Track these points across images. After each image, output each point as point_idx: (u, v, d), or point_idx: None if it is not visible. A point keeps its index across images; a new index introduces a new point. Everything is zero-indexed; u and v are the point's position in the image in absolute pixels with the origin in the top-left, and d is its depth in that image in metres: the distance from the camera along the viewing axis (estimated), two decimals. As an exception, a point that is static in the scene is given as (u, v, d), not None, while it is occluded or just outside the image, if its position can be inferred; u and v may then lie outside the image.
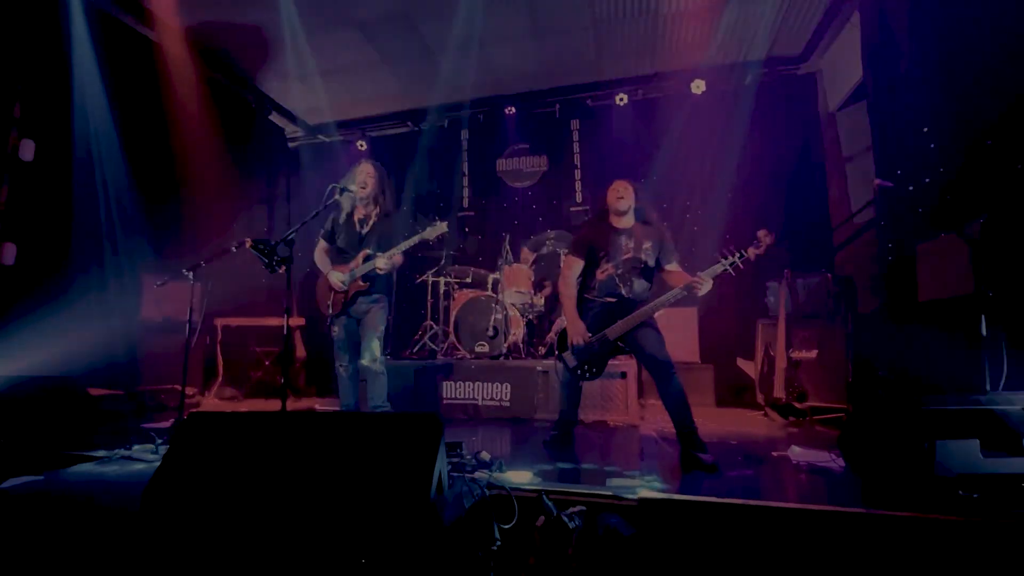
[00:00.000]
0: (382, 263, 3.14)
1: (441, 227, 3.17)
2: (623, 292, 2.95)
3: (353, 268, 3.23)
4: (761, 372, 4.61)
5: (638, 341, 2.83)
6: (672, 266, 3.02)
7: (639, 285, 2.98)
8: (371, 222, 3.29)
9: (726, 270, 2.76)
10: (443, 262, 5.47)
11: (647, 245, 2.98)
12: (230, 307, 5.66)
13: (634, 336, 2.86)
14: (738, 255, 2.73)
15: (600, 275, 2.99)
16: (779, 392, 4.28)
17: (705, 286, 2.73)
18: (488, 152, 6.88)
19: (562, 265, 3.16)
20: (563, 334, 3.08)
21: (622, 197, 3.02)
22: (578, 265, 3.07)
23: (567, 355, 3.04)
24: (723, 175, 5.58)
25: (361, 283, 3.22)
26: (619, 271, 2.96)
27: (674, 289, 2.83)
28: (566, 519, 1.69)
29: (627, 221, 3.06)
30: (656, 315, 2.96)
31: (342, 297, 3.25)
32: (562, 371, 3.10)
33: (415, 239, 3.15)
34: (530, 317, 5.13)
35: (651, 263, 2.99)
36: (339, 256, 3.34)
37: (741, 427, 3.94)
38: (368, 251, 3.23)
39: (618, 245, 2.99)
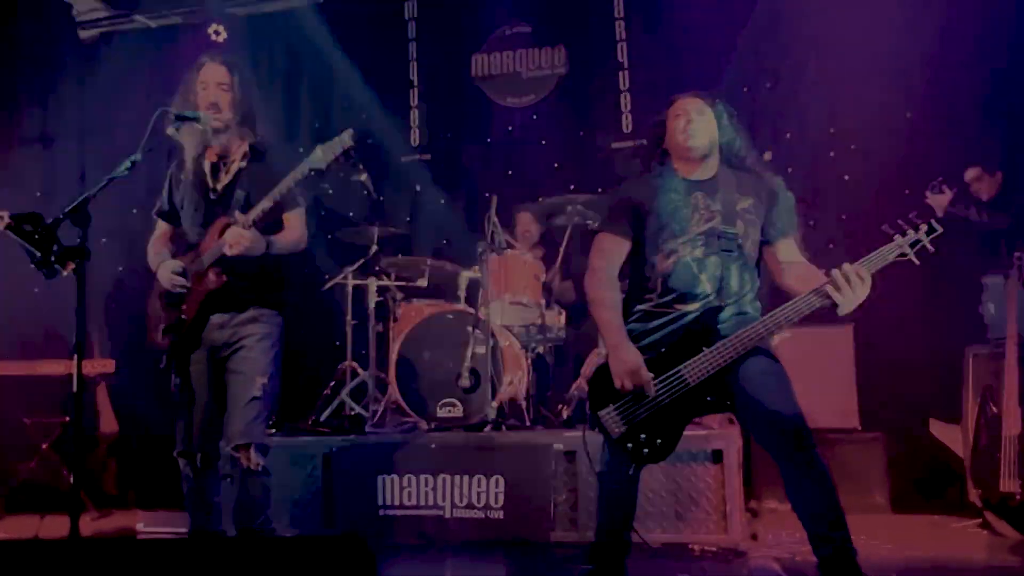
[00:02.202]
0: (231, 237, 3.22)
1: (342, 140, 3.31)
2: (709, 293, 3.03)
3: (204, 251, 3.35)
4: (975, 445, 4.64)
5: (744, 388, 2.90)
6: (786, 246, 3.11)
7: (736, 279, 3.06)
8: (233, 166, 3.46)
9: (904, 256, 2.76)
10: (374, 251, 5.46)
11: (744, 205, 3.07)
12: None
13: (736, 378, 2.93)
14: (926, 227, 2.75)
15: (663, 263, 3.09)
16: (1009, 483, 4.32)
17: (860, 289, 2.72)
18: (457, 43, 6.92)
19: (592, 251, 3.28)
20: (600, 375, 3.12)
21: (691, 121, 3.09)
22: (619, 248, 3.20)
23: (608, 416, 3.05)
24: (893, 83, 5.62)
25: (215, 279, 3.31)
26: (696, 254, 3.04)
27: (805, 294, 2.84)
28: None
29: (705, 167, 3.16)
30: (775, 339, 3.10)
31: (187, 311, 3.37)
32: (601, 449, 3.18)
33: (296, 173, 3.30)
34: (539, 350, 5.34)
35: (753, 238, 3.08)
36: (189, 245, 3.56)
37: (939, 548, 4.12)
38: (229, 219, 3.34)
39: (691, 208, 3.09)
